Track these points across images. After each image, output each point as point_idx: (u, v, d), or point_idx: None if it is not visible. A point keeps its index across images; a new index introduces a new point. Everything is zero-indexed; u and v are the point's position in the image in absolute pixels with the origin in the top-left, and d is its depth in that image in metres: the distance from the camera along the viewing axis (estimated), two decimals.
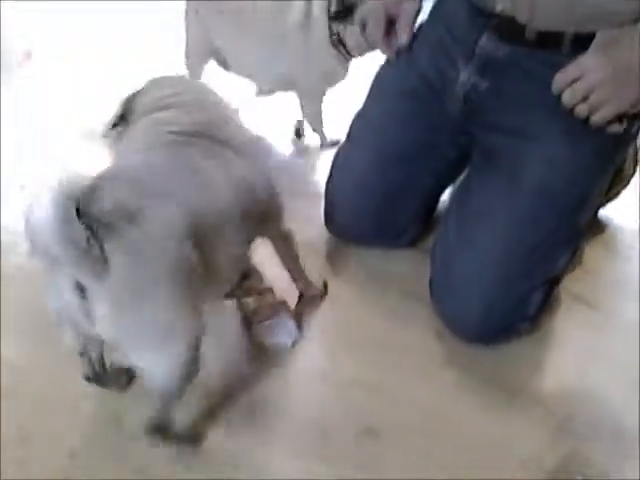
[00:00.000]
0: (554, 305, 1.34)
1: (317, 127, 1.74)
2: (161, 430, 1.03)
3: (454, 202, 1.32)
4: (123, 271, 0.82)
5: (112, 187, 0.86)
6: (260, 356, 1.23)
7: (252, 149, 1.12)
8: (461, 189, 1.32)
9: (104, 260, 0.81)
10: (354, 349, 1.26)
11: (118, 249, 0.82)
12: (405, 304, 1.34)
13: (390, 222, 1.39)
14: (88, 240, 0.78)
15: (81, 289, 0.83)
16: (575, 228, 1.21)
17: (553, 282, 1.24)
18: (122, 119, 1.14)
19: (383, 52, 1.34)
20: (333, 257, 1.45)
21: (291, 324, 1.27)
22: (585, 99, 1.05)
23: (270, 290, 1.32)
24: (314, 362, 1.23)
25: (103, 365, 1.08)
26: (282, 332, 1.26)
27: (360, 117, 1.40)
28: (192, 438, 1.10)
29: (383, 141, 1.34)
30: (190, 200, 0.94)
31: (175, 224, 0.89)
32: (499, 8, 1.13)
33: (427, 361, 1.24)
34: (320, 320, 1.32)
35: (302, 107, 1.71)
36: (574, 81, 1.05)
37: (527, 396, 1.20)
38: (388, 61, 1.37)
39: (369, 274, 1.40)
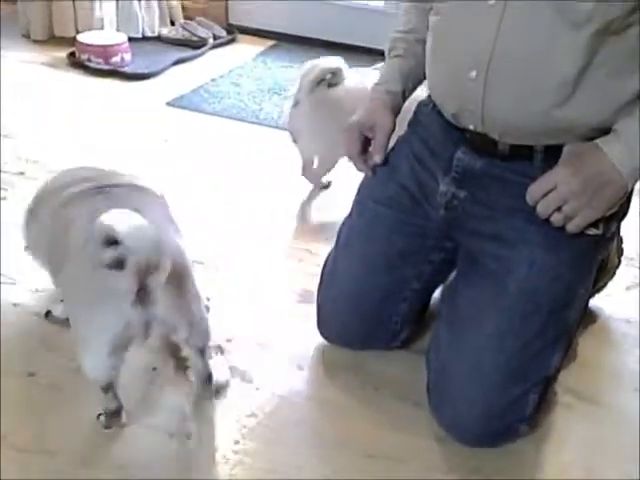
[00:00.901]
0: (552, 402, 1.33)
1: None
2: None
3: (444, 307, 1.33)
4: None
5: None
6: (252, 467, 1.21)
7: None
8: (450, 293, 1.34)
9: None
10: (354, 458, 1.23)
11: None
12: (402, 409, 1.33)
13: (381, 327, 1.40)
14: None
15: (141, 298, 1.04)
16: (564, 326, 1.22)
17: (548, 381, 1.24)
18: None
19: (359, 169, 1.39)
20: (327, 362, 1.45)
21: (225, 365, 1.38)
22: (559, 209, 1.09)
23: None
24: (313, 474, 1.21)
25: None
26: (219, 372, 1.35)
27: (346, 225, 1.44)
28: None
29: (368, 249, 1.37)
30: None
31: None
32: (471, 127, 1.19)
33: (429, 467, 1.22)
34: (317, 428, 1.30)
35: None
36: (547, 193, 1.10)
37: None
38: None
39: (364, 379, 1.40)
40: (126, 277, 1.02)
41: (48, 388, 1.32)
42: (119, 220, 1.01)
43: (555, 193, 1.09)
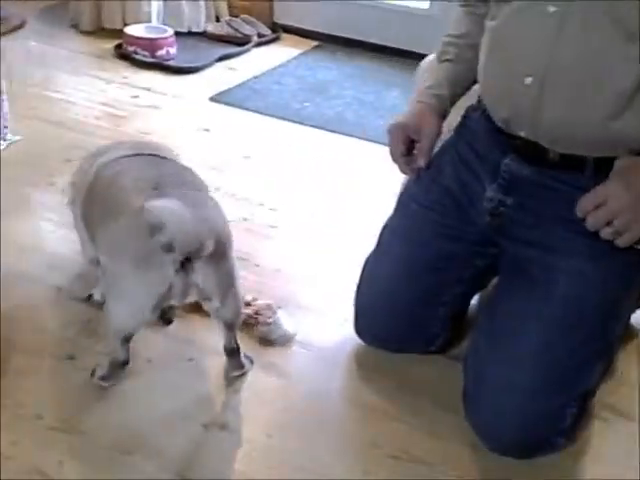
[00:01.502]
0: (589, 417, 1.32)
1: None
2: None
3: (484, 313, 1.32)
4: None
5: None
6: None
7: None
8: (491, 300, 1.33)
9: None
10: (385, 460, 1.23)
11: None
12: (436, 414, 1.32)
13: (419, 330, 1.40)
14: None
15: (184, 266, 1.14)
16: (607, 339, 1.21)
17: (587, 395, 1.22)
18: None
19: (402, 171, 1.39)
20: (363, 363, 1.45)
21: (285, 318, 1.48)
22: (609, 223, 1.08)
23: (254, 299, 1.52)
24: (343, 473, 1.21)
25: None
26: (283, 325, 1.47)
27: (388, 226, 1.43)
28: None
29: (410, 251, 1.36)
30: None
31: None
32: (522, 134, 1.18)
33: (460, 473, 1.22)
34: (351, 428, 1.30)
35: None
36: (597, 207, 1.08)
37: None
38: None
39: (400, 382, 1.39)
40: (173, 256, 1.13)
41: (86, 372, 1.33)
42: (165, 209, 1.10)
43: (606, 207, 1.08)
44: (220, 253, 1.18)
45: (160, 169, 1.33)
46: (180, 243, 1.10)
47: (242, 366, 1.37)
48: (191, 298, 1.22)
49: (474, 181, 1.29)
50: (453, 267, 1.34)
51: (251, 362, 1.39)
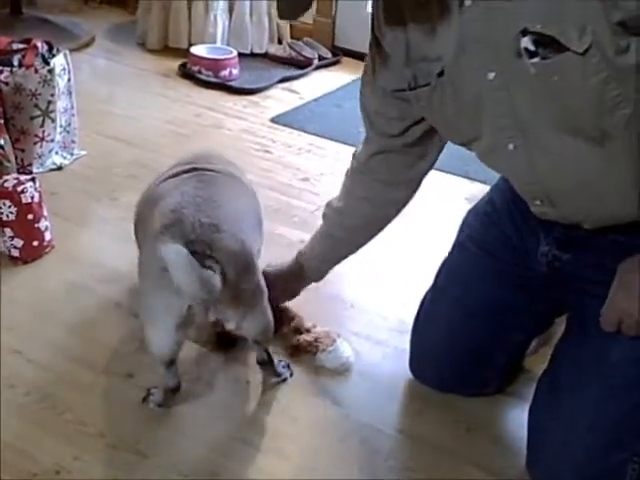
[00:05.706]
0: None
1: None
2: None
3: (550, 362, 1.27)
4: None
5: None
6: None
7: None
8: (555, 349, 1.28)
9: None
10: None
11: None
12: (494, 452, 1.30)
13: (475, 374, 1.37)
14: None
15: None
16: None
17: None
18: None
19: None
20: (419, 396, 1.42)
21: (345, 345, 1.47)
22: None
23: (314, 326, 1.51)
24: None
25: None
26: (342, 354, 1.46)
27: (445, 266, 1.41)
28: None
29: (468, 294, 1.33)
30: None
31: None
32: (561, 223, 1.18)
33: None
34: (407, 463, 1.28)
35: None
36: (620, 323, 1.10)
37: None
38: (474, 211, 1.40)
39: (456, 418, 1.37)
40: None
41: (145, 390, 1.34)
42: (169, 259, 1.07)
43: (625, 325, 1.09)
44: (237, 280, 1.16)
45: (188, 188, 1.28)
46: (185, 293, 1.10)
47: (279, 374, 1.39)
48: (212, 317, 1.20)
49: (529, 234, 1.25)
50: (512, 313, 1.31)
51: (288, 368, 1.42)
